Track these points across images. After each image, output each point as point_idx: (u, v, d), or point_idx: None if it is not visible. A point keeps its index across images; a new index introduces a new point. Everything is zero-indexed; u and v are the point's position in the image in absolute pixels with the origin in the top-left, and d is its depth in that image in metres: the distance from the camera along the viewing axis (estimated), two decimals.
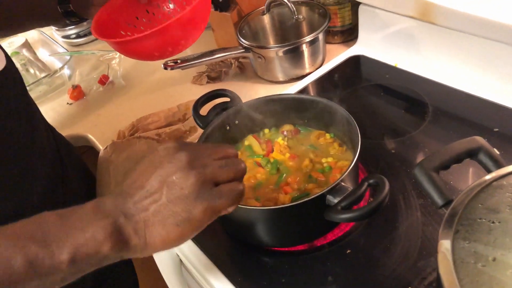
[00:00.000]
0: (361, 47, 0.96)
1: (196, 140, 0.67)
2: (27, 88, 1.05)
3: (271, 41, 1.01)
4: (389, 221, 0.63)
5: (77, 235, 0.39)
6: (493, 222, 0.40)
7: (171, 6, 0.79)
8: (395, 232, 0.61)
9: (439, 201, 0.47)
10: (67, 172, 0.73)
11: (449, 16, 0.77)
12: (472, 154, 0.50)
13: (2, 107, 0.58)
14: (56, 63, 1.18)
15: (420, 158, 0.71)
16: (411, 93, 0.84)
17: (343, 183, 0.56)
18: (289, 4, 0.91)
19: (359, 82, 0.91)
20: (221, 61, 0.99)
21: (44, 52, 1.21)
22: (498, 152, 0.49)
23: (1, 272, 0.36)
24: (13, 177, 0.60)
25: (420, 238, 0.60)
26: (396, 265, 0.57)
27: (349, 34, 1.00)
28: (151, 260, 1.19)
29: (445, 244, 0.42)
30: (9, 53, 1.10)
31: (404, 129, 0.77)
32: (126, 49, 0.69)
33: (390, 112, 0.83)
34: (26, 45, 1.15)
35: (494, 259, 0.38)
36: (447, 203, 0.46)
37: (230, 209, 0.46)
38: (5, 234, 0.39)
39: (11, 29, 0.87)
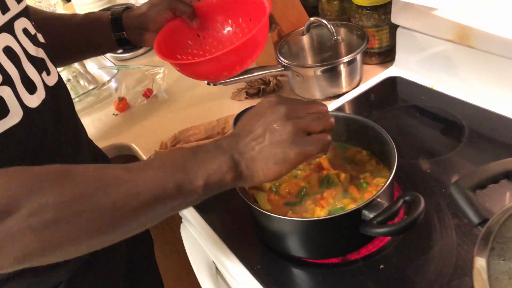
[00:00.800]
0: (398, 69, 0.98)
1: None
2: (77, 98, 1.12)
3: (310, 61, 1.04)
4: (423, 239, 0.63)
5: (208, 166, 0.51)
6: None
7: (225, 31, 0.83)
8: (429, 251, 0.62)
9: (475, 219, 0.48)
10: None
11: (487, 40, 0.78)
12: (509, 175, 0.51)
13: (54, 118, 0.63)
14: (104, 76, 1.25)
15: (455, 179, 0.72)
16: (447, 115, 0.85)
17: (379, 199, 0.58)
18: (328, 25, 0.94)
19: (395, 102, 0.93)
20: (260, 79, 1.03)
21: (93, 65, 1.28)
22: None
23: (160, 191, 0.49)
24: None
25: (454, 257, 0.60)
26: (429, 284, 0.58)
27: (387, 56, 1.02)
28: (176, 265, 1.22)
29: (480, 261, 0.43)
30: (61, 67, 1.18)
31: (439, 150, 0.78)
32: (186, 70, 0.74)
33: (425, 133, 0.85)
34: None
35: None
36: (483, 221, 0.48)
37: (319, 155, 0.54)
38: (155, 165, 0.52)
39: (71, 59, 0.96)
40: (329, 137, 0.54)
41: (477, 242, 0.44)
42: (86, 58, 1.20)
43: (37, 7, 1.58)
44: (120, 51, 1.31)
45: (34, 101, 0.59)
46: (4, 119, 0.54)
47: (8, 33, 0.57)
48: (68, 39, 0.81)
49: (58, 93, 0.66)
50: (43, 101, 0.60)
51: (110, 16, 0.81)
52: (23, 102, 0.57)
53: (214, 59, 0.69)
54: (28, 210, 0.43)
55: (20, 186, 0.44)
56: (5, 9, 0.57)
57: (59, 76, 0.68)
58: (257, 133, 0.53)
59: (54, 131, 0.63)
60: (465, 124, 0.81)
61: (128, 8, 0.83)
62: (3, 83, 0.54)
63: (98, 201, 0.46)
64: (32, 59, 0.60)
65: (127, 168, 0.49)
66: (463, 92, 0.87)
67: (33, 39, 0.62)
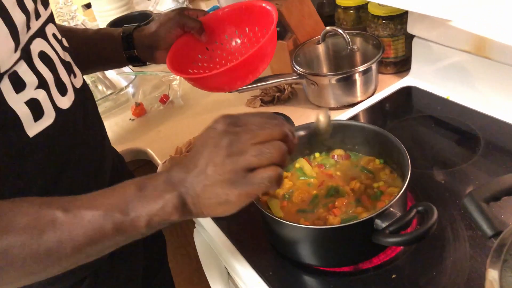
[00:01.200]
0: (414, 79, 0.98)
1: None
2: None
3: (325, 69, 1.05)
4: (436, 250, 0.63)
5: (152, 206, 0.48)
6: None
7: (233, 43, 0.84)
8: (442, 262, 0.62)
9: (489, 231, 0.48)
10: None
11: (504, 51, 0.77)
12: None
13: (83, 119, 0.66)
14: (121, 82, 1.27)
15: (470, 190, 0.72)
16: (462, 126, 0.85)
17: (391, 209, 0.58)
18: (344, 34, 0.95)
19: (410, 112, 0.93)
20: (275, 86, 1.04)
21: (112, 71, 1.31)
22: None
23: (97, 235, 0.47)
24: (92, 172, 0.68)
25: (467, 269, 0.60)
26: None
27: (402, 65, 1.02)
28: (188, 269, 1.22)
29: (492, 273, 0.43)
30: None
31: (454, 161, 0.78)
32: (200, 84, 0.76)
33: (440, 144, 0.84)
34: None
35: None
36: (497, 233, 0.47)
37: (272, 189, 0.49)
38: (96, 204, 0.48)
39: (83, 72, 0.98)
40: (272, 173, 0.47)
41: (490, 254, 0.44)
42: (95, 71, 1.23)
43: (58, 13, 1.62)
44: None
45: (65, 102, 0.61)
46: (39, 121, 0.57)
47: (42, 38, 0.59)
48: (79, 52, 0.83)
49: (85, 95, 0.69)
50: (73, 102, 0.63)
51: (121, 34, 0.83)
52: (56, 104, 0.59)
53: (226, 71, 0.70)
54: None
55: None
56: (38, 15, 0.60)
57: (83, 79, 0.71)
58: (201, 168, 0.48)
59: (83, 132, 0.66)
60: (481, 135, 0.81)
61: (138, 26, 0.85)
62: (38, 87, 0.56)
63: (31, 250, 0.46)
64: (63, 62, 0.63)
65: (66, 209, 0.48)
66: (479, 103, 0.86)
67: (60, 43, 0.65)
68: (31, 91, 0.55)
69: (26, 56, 0.55)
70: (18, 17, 0.53)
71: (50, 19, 0.64)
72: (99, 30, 0.88)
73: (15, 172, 0.55)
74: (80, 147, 0.65)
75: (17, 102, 0.53)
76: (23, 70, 0.54)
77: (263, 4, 0.78)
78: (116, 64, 0.91)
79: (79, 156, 0.65)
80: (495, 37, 0.77)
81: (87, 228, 0.47)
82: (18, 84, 0.53)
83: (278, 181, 0.48)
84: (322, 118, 0.64)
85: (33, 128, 0.56)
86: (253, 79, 0.75)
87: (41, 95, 0.56)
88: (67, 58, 0.66)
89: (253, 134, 0.48)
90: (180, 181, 0.49)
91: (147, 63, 0.87)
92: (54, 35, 0.63)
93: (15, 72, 0.53)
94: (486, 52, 0.81)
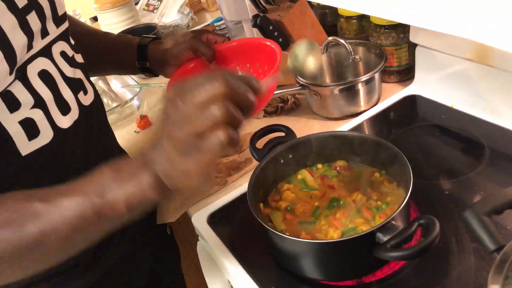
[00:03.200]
0: (417, 87, 0.97)
1: (252, 171, 0.71)
2: None
3: (327, 79, 1.04)
4: (440, 263, 0.62)
5: (127, 187, 0.47)
6: None
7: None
8: (447, 275, 0.61)
9: (491, 245, 0.47)
10: None
11: (507, 59, 0.77)
12: None
13: (85, 137, 0.66)
14: (127, 94, 1.28)
15: (475, 200, 0.71)
16: (467, 135, 0.84)
17: (393, 222, 0.57)
18: (346, 45, 0.94)
19: (415, 121, 0.92)
20: (278, 97, 1.04)
21: (117, 83, 1.32)
22: None
23: (79, 221, 0.47)
24: None
25: (472, 283, 0.59)
26: None
27: (406, 74, 1.02)
28: (194, 281, 1.22)
29: (495, 286, 0.42)
30: None
31: (459, 170, 0.77)
32: None
33: (445, 153, 0.83)
34: (102, 77, 1.26)
35: None
36: (499, 248, 0.47)
37: (230, 152, 0.48)
38: (73, 191, 0.48)
39: (95, 73, 1.00)
40: (225, 132, 0.44)
41: (492, 270, 0.43)
42: (108, 75, 1.27)
43: None
44: None
45: (66, 121, 0.62)
46: (34, 140, 0.57)
47: (45, 57, 0.60)
48: (97, 56, 0.86)
49: (93, 112, 0.69)
50: (75, 122, 0.63)
51: (137, 44, 0.85)
52: (55, 123, 0.60)
53: None
54: None
55: None
56: (45, 34, 0.60)
57: (95, 93, 0.71)
58: (161, 143, 0.47)
59: (84, 150, 0.66)
60: (486, 144, 0.80)
61: (156, 39, 0.87)
62: (34, 106, 0.56)
63: (15, 243, 0.46)
64: (68, 80, 0.63)
65: (44, 199, 0.47)
66: (483, 112, 0.85)
67: (70, 60, 0.65)
68: (27, 111, 0.55)
69: (21, 76, 0.55)
70: (18, 39, 0.53)
71: (62, 36, 0.64)
72: (120, 37, 0.90)
73: (5, 191, 0.56)
74: (80, 165, 0.65)
75: (10, 121, 0.54)
76: (18, 90, 0.54)
77: (272, 46, 0.79)
78: (130, 71, 0.92)
79: (78, 176, 0.65)
80: (497, 45, 0.76)
81: (67, 216, 0.47)
82: (12, 104, 0.54)
83: (231, 142, 0.45)
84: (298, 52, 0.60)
85: (26, 147, 0.56)
86: (254, 113, 0.75)
87: (37, 114, 0.57)
88: (77, 75, 0.66)
89: (193, 98, 0.45)
90: (151, 159, 0.48)
91: (110, 77, 0.90)
92: (62, 53, 0.63)
93: (9, 92, 0.53)
94: (489, 60, 0.80)
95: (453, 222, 0.67)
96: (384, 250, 0.54)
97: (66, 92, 0.62)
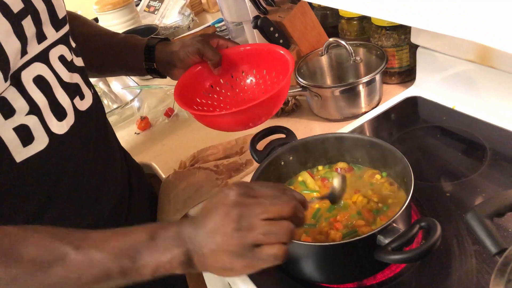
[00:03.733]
0: (419, 88, 0.97)
1: (252, 173, 0.71)
2: None
3: (328, 81, 1.04)
4: (442, 266, 0.62)
5: (159, 258, 0.50)
6: None
7: (248, 81, 0.85)
8: (448, 278, 0.60)
9: (492, 248, 0.47)
10: (133, 198, 0.79)
11: (509, 60, 0.76)
12: None
13: (82, 142, 0.65)
14: (127, 96, 1.28)
15: (476, 202, 0.70)
16: (469, 136, 0.83)
17: (394, 224, 0.57)
18: (347, 46, 0.94)
19: (416, 123, 0.92)
20: None
21: (117, 85, 1.32)
22: None
23: (102, 276, 0.49)
24: (88, 200, 0.67)
25: (474, 286, 0.58)
26: None
27: (407, 75, 1.01)
28: (193, 284, 1.22)
29: None
30: None
31: (461, 172, 0.77)
32: (207, 121, 0.78)
33: (446, 155, 0.83)
34: (103, 78, 1.26)
35: None
36: (501, 251, 0.46)
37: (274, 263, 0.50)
38: (106, 246, 0.50)
39: (103, 74, 1.02)
40: (279, 251, 0.49)
41: (494, 273, 0.43)
42: (115, 76, 1.26)
43: None
44: None
45: (62, 127, 0.61)
46: (29, 146, 0.56)
47: (42, 62, 0.59)
48: (105, 58, 0.85)
49: (91, 117, 0.68)
50: (72, 127, 0.62)
51: (145, 45, 0.84)
52: (50, 129, 0.59)
53: (240, 111, 0.71)
54: None
55: None
56: (42, 39, 0.59)
57: (94, 98, 0.70)
58: (210, 232, 0.50)
59: (81, 155, 0.65)
60: (488, 145, 0.79)
61: (164, 40, 0.86)
62: (29, 113, 0.56)
63: (37, 282, 0.47)
64: (65, 85, 0.62)
65: (77, 246, 0.49)
66: (485, 113, 0.85)
67: (68, 65, 0.64)
68: (21, 117, 0.55)
69: (16, 82, 0.54)
70: (11, 45, 0.52)
71: (62, 40, 0.63)
72: (127, 38, 0.89)
73: (0, 198, 0.55)
74: (77, 170, 0.64)
75: (5, 128, 0.53)
76: (13, 97, 0.54)
77: (282, 52, 0.79)
78: (137, 72, 0.92)
79: (73, 182, 0.64)
80: (498, 46, 0.76)
81: (95, 269, 0.49)
82: (7, 110, 0.53)
83: (283, 257, 0.49)
84: (336, 185, 0.64)
85: (21, 154, 0.55)
86: (266, 119, 0.77)
87: (32, 121, 0.56)
88: (75, 79, 0.65)
89: (263, 209, 0.49)
90: (190, 238, 0.50)
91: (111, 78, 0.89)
92: (61, 58, 0.62)
93: (4, 99, 0.53)
94: (490, 61, 0.80)
95: (455, 224, 0.67)
96: (385, 253, 0.54)
97: (63, 98, 0.61)
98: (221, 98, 0.85)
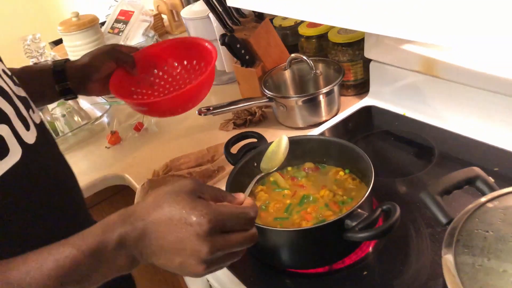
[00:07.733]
0: (373, 99, 1.07)
1: (225, 179, 0.76)
2: (71, 133, 1.16)
3: (292, 92, 1.13)
4: (401, 247, 0.70)
5: (106, 268, 0.48)
6: (487, 232, 0.48)
7: (174, 73, 0.93)
8: (407, 257, 0.68)
9: (443, 219, 0.55)
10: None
11: (451, 70, 0.87)
12: (470, 181, 0.58)
13: (50, 153, 0.66)
14: (97, 112, 1.31)
15: None
16: (418, 139, 0.93)
17: (359, 210, 0.64)
18: (308, 60, 1.03)
19: (371, 129, 1.01)
20: (246, 110, 1.11)
21: (85, 102, 1.34)
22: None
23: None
24: (44, 233, 0.63)
25: (429, 262, 0.66)
26: (408, 285, 0.64)
27: (362, 88, 1.11)
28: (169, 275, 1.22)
29: (447, 257, 0.49)
30: (56, 103, 1.19)
31: (412, 170, 0.86)
32: (148, 108, 0.85)
33: (399, 155, 0.92)
34: None
35: (488, 259, 0.45)
36: (450, 221, 0.54)
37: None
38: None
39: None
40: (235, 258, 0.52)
41: (444, 239, 0.51)
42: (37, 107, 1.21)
43: (26, 50, 1.64)
44: None
45: (30, 137, 0.60)
46: (6, 158, 0.54)
47: None
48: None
49: (45, 130, 0.68)
50: (37, 137, 0.62)
51: (52, 68, 0.83)
52: (22, 139, 0.58)
53: (167, 99, 0.81)
54: None
55: None
56: None
57: (40, 131, 0.67)
58: (171, 260, 0.49)
59: (52, 166, 0.66)
60: (435, 146, 0.89)
61: (68, 60, 0.86)
62: (1, 122, 0.54)
63: None
64: (18, 97, 0.61)
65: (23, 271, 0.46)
66: (432, 118, 0.95)
67: (11, 78, 0.63)
68: None
69: None
70: None
71: None
72: (24, 68, 0.84)
73: None
74: (50, 182, 0.63)
75: None
76: None
77: (206, 44, 0.87)
78: (49, 99, 0.90)
79: (49, 191, 0.63)
80: (441, 57, 0.87)
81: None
82: None
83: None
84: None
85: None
86: (193, 106, 0.86)
87: (4, 131, 0.55)
88: (22, 93, 0.64)
89: (230, 251, 0.50)
90: (137, 247, 0.48)
91: (79, 96, 0.88)
92: (4, 71, 0.62)
93: None
94: (434, 71, 0.91)
95: (410, 213, 0.75)
96: (354, 232, 0.60)
97: (22, 108, 0.61)
98: (149, 92, 0.91)
